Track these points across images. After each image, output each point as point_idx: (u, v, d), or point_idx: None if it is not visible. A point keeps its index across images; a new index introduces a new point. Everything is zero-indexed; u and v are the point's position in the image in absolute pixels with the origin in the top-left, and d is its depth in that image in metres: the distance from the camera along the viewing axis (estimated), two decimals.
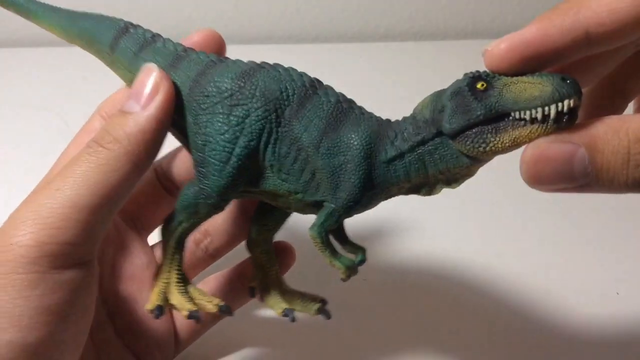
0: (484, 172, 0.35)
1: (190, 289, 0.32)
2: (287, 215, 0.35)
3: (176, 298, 0.31)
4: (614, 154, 0.23)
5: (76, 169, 0.27)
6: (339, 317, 0.36)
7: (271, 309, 0.35)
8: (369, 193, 0.29)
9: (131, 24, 0.34)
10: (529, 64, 0.26)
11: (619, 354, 0.39)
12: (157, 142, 0.29)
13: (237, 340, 0.40)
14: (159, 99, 0.29)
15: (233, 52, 0.89)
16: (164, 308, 0.31)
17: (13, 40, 0.80)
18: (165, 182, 0.37)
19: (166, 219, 0.32)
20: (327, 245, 0.30)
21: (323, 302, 0.35)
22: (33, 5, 0.36)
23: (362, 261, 0.31)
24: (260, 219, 0.35)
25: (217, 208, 0.31)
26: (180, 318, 0.35)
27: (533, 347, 0.40)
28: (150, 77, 0.29)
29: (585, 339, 0.40)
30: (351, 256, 0.31)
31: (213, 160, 0.29)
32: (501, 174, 0.59)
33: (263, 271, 0.35)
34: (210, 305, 0.31)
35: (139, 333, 0.34)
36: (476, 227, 0.50)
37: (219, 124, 0.29)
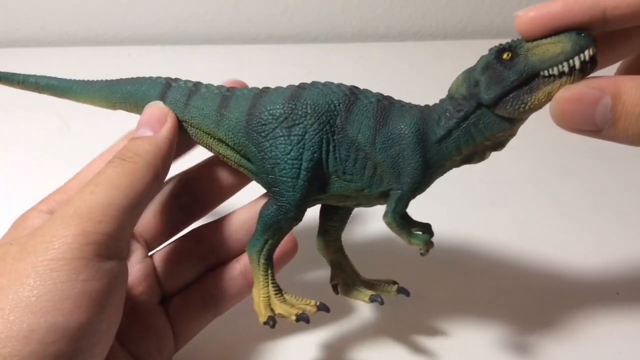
0: (480, 170, 0.35)
1: (286, 296, 0.34)
2: (350, 211, 0.38)
3: (280, 307, 0.33)
4: (634, 106, 0.26)
5: (106, 177, 0.31)
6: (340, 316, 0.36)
7: (358, 300, 0.37)
8: (428, 172, 0.32)
9: (170, 78, 0.37)
10: (552, 32, 0.29)
11: (619, 354, 0.39)
12: (170, 157, 0.34)
13: (238, 341, 0.40)
14: (168, 124, 0.34)
15: (233, 52, 0.89)
16: (275, 318, 0.33)
17: (13, 40, 0.80)
18: None
19: (250, 242, 0.34)
20: (403, 227, 0.33)
21: (395, 283, 0.38)
22: (68, 84, 0.39)
23: (431, 235, 0.35)
24: (327, 222, 0.37)
25: (297, 219, 0.34)
26: (176, 316, 0.36)
27: (532, 347, 0.40)
28: (157, 109, 0.35)
29: (585, 339, 0.40)
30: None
31: (285, 179, 0.33)
32: (499, 180, 0.59)
33: (340, 268, 0.38)
34: (309, 306, 0.34)
35: (138, 336, 0.35)
36: (475, 228, 0.50)
37: (283, 146, 0.33)
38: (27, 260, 0.26)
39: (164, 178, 0.34)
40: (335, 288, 0.38)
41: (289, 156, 0.33)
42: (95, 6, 0.81)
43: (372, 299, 0.37)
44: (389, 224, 0.33)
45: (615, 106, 0.26)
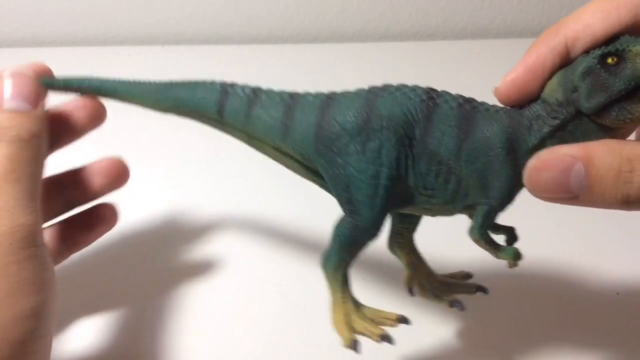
0: None
1: (366, 311, 0.32)
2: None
3: (361, 325, 0.32)
4: (607, 170, 0.26)
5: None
6: None
7: (435, 303, 0.36)
8: (518, 184, 0.30)
9: (225, 83, 0.35)
10: (534, 86, 0.29)
11: (619, 354, 0.39)
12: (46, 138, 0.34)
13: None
14: (43, 102, 0.35)
15: (233, 52, 0.89)
16: (358, 340, 0.31)
17: (13, 40, 0.80)
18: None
19: (326, 259, 0.32)
20: (491, 243, 0.31)
21: (470, 276, 0.37)
22: (118, 85, 0.37)
23: (515, 239, 0.34)
24: (400, 224, 0.36)
25: (375, 235, 0.31)
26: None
27: (533, 346, 0.40)
28: (28, 80, 0.34)
29: (585, 339, 0.40)
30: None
31: (362, 199, 0.30)
32: None
33: (415, 269, 0.37)
34: (390, 321, 0.32)
35: None
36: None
37: (357, 163, 0.30)
38: None
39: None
40: (410, 291, 0.37)
41: (365, 174, 0.30)
42: (95, 6, 0.81)
43: (452, 305, 0.36)
44: (476, 241, 0.31)
45: (589, 172, 0.26)
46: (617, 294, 0.44)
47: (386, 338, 0.31)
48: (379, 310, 0.32)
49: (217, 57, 0.78)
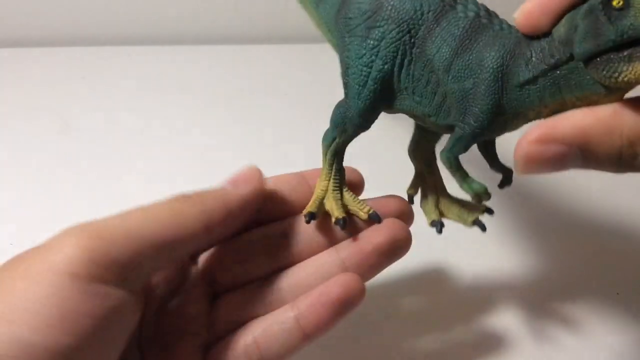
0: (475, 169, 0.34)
1: (346, 195, 0.32)
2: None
3: (329, 203, 0.32)
4: (606, 155, 0.23)
5: (148, 206, 0.28)
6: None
7: (425, 216, 0.36)
8: (500, 118, 0.28)
9: None
10: (548, 20, 0.26)
11: (619, 354, 0.39)
12: (233, 220, 0.30)
13: None
14: (250, 187, 0.31)
15: (233, 52, 0.89)
16: (316, 214, 0.32)
17: (13, 40, 0.80)
18: None
19: (324, 134, 0.33)
20: (458, 170, 0.30)
21: (488, 211, 0.34)
22: None
23: (508, 184, 0.32)
24: (418, 131, 0.35)
25: (362, 127, 0.31)
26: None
27: (532, 347, 0.39)
28: (251, 170, 0.32)
29: (585, 339, 0.40)
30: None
31: (353, 84, 0.30)
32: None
33: (423, 179, 0.36)
34: (362, 212, 0.32)
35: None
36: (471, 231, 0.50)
37: (358, 48, 0.30)
38: (25, 264, 0.24)
39: (218, 237, 0.30)
40: (410, 198, 0.36)
41: (360, 60, 0.29)
42: (95, 6, 0.81)
43: (432, 224, 0.35)
44: (443, 162, 0.30)
45: (586, 156, 0.24)
46: (617, 294, 0.44)
47: (339, 224, 0.31)
48: (357, 200, 0.33)
49: (217, 57, 0.78)
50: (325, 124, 0.33)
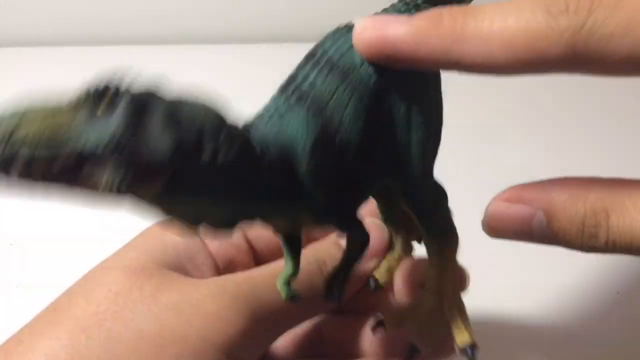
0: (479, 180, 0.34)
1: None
2: None
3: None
4: (570, 223, 0.24)
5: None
6: None
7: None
8: None
9: None
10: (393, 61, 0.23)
11: (619, 353, 0.39)
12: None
13: None
14: (373, 264, 0.29)
15: (233, 52, 0.89)
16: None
17: (13, 40, 0.80)
18: None
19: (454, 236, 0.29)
20: None
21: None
22: None
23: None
24: None
25: None
26: None
27: (532, 347, 0.39)
28: (383, 235, 0.30)
29: (585, 339, 0.40)
30: None
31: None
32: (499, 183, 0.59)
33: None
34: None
35: None
36: (472, 230, 0.50)
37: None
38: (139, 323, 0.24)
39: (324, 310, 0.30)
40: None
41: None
42: (95, 6, 0.81)
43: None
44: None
45: (551, 223, 0.24)
46: (617, 293, 0.44)
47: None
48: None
49: (217, 57, 0.78)
50: None
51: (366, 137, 0.23)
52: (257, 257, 0.33)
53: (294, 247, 0.26)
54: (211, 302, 0.25)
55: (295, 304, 0.26)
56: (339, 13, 0.92)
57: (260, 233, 0.32)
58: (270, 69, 0.75)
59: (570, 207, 0.23)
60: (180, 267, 0.28)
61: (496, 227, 0.25)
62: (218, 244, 0.31)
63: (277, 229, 0.24)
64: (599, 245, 0.24)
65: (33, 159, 0.16)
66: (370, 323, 0.29)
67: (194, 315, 0.24)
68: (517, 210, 0.24)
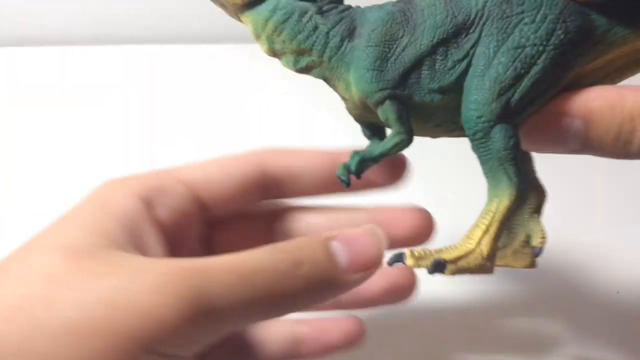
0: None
1: None
2: None
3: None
4: (607, 129, 0.24)
5: (244, 259, 0.24)
6: None
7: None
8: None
9: None
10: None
11: (619, 353, 0.39)
12: (326, 301, 0.26)
13: None
14: (368, 274, 0.26)
15: (233, 52, 0.88)
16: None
17: (13, 40, 0.80)
18: None
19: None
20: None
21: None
22: None
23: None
24: None
25: None
26: None
27: (532, 347, 0.40)
28: (378, 245, 0.26)
29: (585, 339, 0.40)
30: None
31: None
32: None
33: None
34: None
35: None
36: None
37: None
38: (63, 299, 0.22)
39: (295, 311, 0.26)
40: None
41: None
42: (96, 6, 0.81)
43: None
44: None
45: (588, 129, 0.24)
46: (617, 293, 0.44)
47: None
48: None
49: (217, 57, 0.78)
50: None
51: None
52: (210, 216, 0.32)
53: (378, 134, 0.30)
54: (149, 298, 0.22)
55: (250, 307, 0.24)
56: None
57: (210, 185, 0.31)
58: (271, 69, 0.76)
59: (608, 114, 0.24)
60: (124, 242, 0.26)
61: (534, 139, 0.25)
62: (164, 211, 0.29)
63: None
64: (633, 150, 0.24)
65: None
66: (387, 258, 0.26)
67: (129, 312, 0.22)
68: (556, 117, 0.25)
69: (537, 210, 0.32)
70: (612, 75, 0.28)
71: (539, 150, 0.26)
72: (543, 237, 0.31)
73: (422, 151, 0.36)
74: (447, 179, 0.48)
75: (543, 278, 0.45)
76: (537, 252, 0.30)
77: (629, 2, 0.26)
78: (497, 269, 0.27)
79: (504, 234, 0.29)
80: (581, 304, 0.43)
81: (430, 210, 0.35)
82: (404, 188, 0.37)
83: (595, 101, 0.24)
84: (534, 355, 0.39)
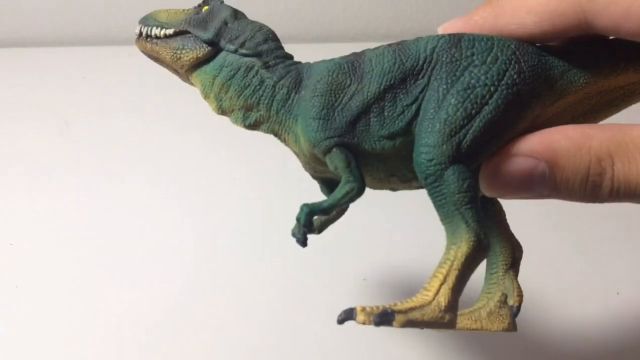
0: None
1: None
2: None
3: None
4: (574, 173, 0.23)
5: None
6: None
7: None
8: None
9: None
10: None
11: (619, 353, 0.39)
12: None
13: None
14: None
15: None
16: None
17: (13, 40, 0.80)
18: None
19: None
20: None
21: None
22: None
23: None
24: None
25: None
26: None
27: (533, 347, 0.39)
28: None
29: (586, 339, 0.40)
30: None
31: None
32: None
33: None
34: None
35: None
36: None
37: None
38: None
39: None
40: None
41: None
42: (96, 6, 0.81)
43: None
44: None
45: (554, 173, 0.23)
46: (618, 293, 0.44)
47: None
48: None
49: None
50: None
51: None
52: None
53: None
54: None
55: None
56: (339, 13, 0.92)
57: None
58: None
59: (575, 156, 0.22)
60: None
61: (495, 184, 0.24)
62: None
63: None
64: (602, 194, 0.23)
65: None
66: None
67: None
68: (518, 162, 0.23)
69: (513, 266, 0.31)
70: (579, 119, 0.27)
71: (505, 196, 0.25)
72: (519, 295, 0.30)
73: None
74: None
75: (543, 278, 0.45)
76: (514, 312, 0.29)
77: (587, 46, 0.26)
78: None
79: (481, 295, 0.29)
80: (581, 304, 0.42)
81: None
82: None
83: (561, 142, 0.23)
84: (534, 355, 0.39)
